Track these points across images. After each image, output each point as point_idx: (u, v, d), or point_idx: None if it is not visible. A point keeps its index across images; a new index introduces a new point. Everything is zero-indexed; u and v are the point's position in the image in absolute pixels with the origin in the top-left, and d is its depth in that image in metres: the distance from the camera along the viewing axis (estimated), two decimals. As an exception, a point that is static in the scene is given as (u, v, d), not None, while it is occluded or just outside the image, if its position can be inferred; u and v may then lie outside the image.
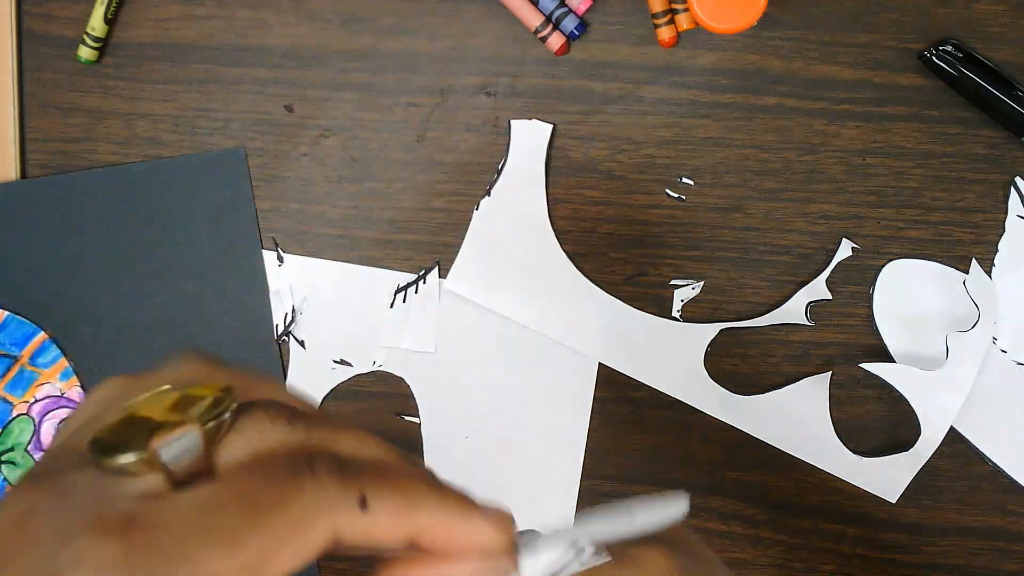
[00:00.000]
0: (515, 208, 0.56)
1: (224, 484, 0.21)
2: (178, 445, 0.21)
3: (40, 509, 0.20)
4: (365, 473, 0.22)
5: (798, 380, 0.55)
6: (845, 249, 0.55)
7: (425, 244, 0.57)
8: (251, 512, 0.20)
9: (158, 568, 0.19)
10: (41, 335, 0.58)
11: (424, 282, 0.57)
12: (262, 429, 0.23)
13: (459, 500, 0.24)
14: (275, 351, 0.57)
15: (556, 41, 0.54)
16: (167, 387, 0.24)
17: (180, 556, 0.19)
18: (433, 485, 0.24)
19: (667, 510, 0.27)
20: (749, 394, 0.56)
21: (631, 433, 0.57)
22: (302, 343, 0.57)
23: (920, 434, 0.54)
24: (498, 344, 0.57)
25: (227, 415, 0.22)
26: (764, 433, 0.56)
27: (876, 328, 0.55)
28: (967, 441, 0.55)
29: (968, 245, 0.54)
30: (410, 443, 0.58)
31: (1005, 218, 0.54)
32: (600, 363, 0.56)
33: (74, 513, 0.20)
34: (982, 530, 0.56)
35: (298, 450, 0.22)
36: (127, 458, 0.21)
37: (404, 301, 0.57)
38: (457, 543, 0.23)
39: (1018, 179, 0.54)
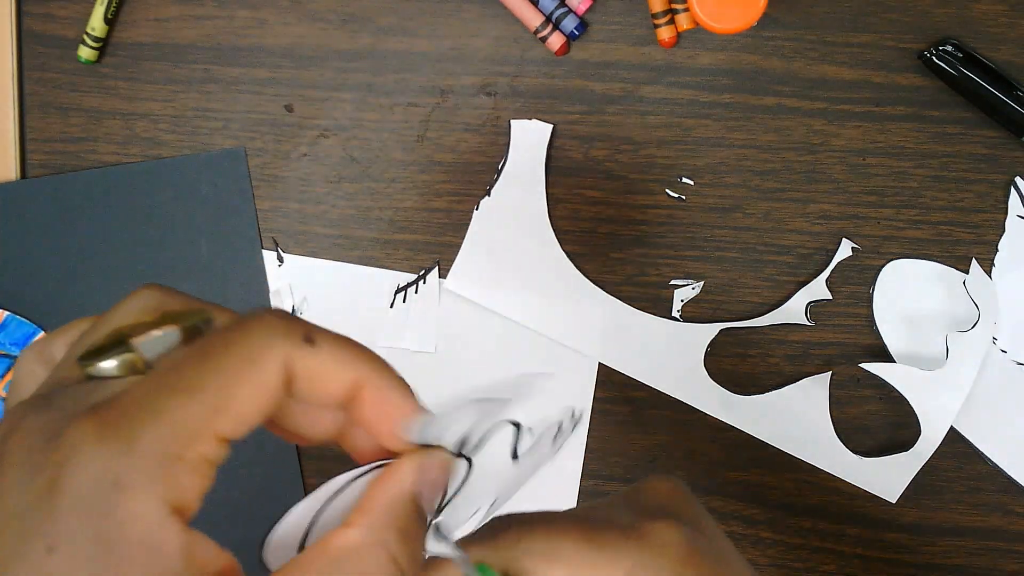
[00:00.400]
0: (515, 208, 0.56)
1: (198, 340, 0.22)
2: (159, 341, 0.22)
3: (30, 417, 0.21)
4: (313, 327, 0.23)
5: (798, 380, 0.55)
6: (845, 249, 0.55)
7: (425, 244, 0.57)
8: (204, 359, 0.21)
9: (129, 430, 0.20)
10: (41, 335, 0.58)
11: (424, 282, 0.57)
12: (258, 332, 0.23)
13: (402, 379, 0.24)
14: (275, 351, 0.57)
15: (556, 41, 0.54)
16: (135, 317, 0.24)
17: (148, 414, 0.20)
18: (380, 357, 0.24)
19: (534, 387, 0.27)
20: (749, 394, 0.56)
21: (631, 433, 0.57)
22: (302, 343, 0.57)
23: (920, 434, 0.54)
24: (498, 344, 0.57)
25: (203, 323, 0.23)
26: (764, 433, 0.56)
27: (876, 328, 0.55)
28: (967, 441, 0.55)
29: (968, 245, 0.54)
30: (410, 443, 0.58)
31: (1005, 218, 0.54)
32: (600, 363, 0.56)
33: (60, 414, 0.21)
34: (982, 530, 0.56)
35: None
36: (111, 361, 0.22)
37: (404, 301, 0.57)
38: (393, 403, 0.24)
39: (1018, 179, 0.54)
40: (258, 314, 0.22)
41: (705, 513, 0.32)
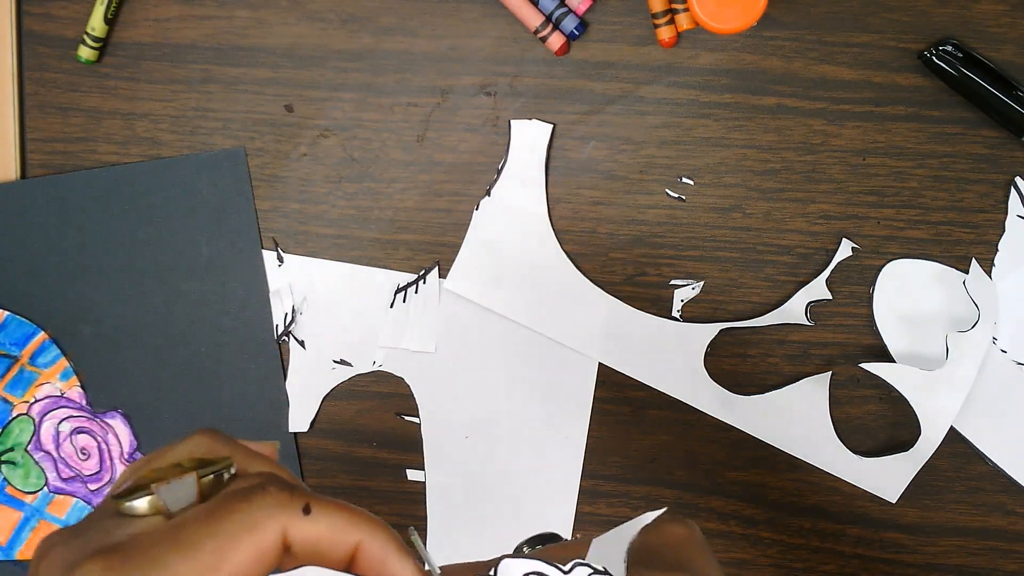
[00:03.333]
0: (515, 208, 0.56)
1: (200, 506, 0.25)
2: (175, 487, 0.25)
3: (58, 547, 0.24)
4: (314, 495, 0.26)
5: (798, 380, 0.55)
6: (845, 249, 0.55)
7: (425, 244, 0.57)
8: (208, 521, 0.24)
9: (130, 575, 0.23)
10: (41, 335, 0.58)
11: (424, 282, 0.57)
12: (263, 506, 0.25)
13: (397, 538, 0.27)
14: (275, 351, 0.57)
15: (556, 41, 0.54)
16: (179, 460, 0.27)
17: (149, 565, 0.23)
18: (376, 518, 0.27)
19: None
20: (749, 394, 0.56)
21: (631, 433, 0.57)
22: (302, 343, 0.57)
23: (920, 434, 0.54)
24: (498, 344, 0.57)
25: (224, 474, 0.26)
26: (764, 433, 0.56)
27: (876, 328, 0.55)
28: (967, 441, 0.55)
29: (968, 245, 0.54)
30: (410, 443, 0.58)
31: (1005, 218, 0.54)
32: (600, 363, 0.56)
33: (84, 546, 0.24)
34: (982, 530, 0.56)
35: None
36: (137, 501, 0.25)
37: (404, 301, 0.57)
38: (390, 567, 0.26)
39: (1018, 179, 0.54)
40: (263, 484, 0.25)
41: (716, 564, 0.34)
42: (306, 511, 0.25)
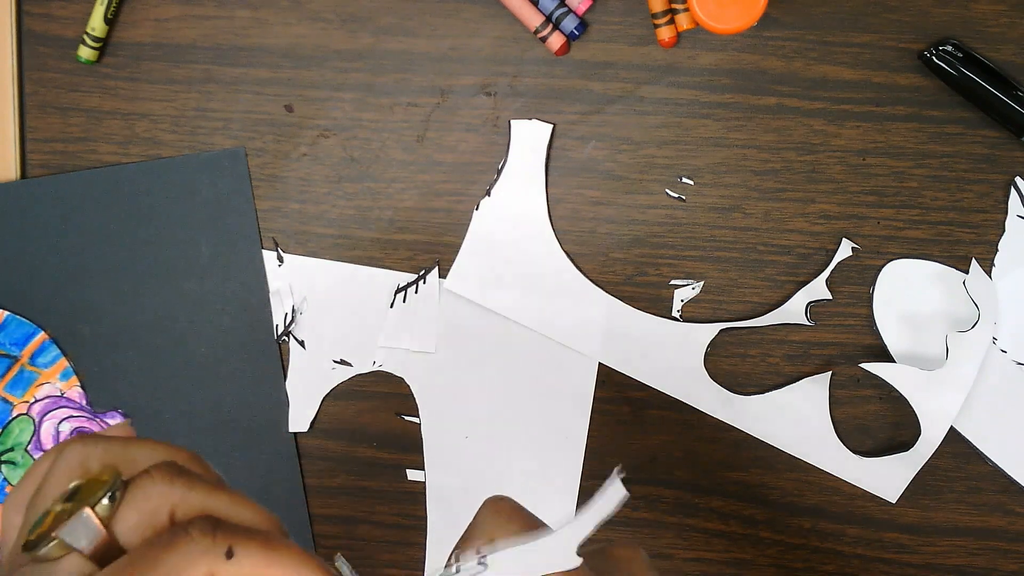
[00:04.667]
0: (515, 208, 0.56)
1: (125, 555, 0.26)
2: (74, 526, 0.26)
3: None
4: (236, 532, 0.26)
5: (798, 380, 0.55)
6: (845, 249, 0.55)
7: (425, 244, 0.57)
8: (134, 571, 0.25)
9: None
10: (41, 335, 0.58)
11: (424, 282, 0.57)
12: (148, 494, 0.27)
13: (319, 567, 0.27)
14: (275, 351, 0.57)
15: (556, 41, 0.54)
16: (72, 485, 0.28)
17: None
18: (296, 549, 0.27)
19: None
20: (749, 394, 0.56)
21: (631, 433, 0.57)
22: (302, 343, 0.57)
23: (920, 434, 0.54)
24: (498, 344, 0.57)
25: (115, 492, 0.27)
26: (764, 433, 0.56)
27: (876, 328, 0.55)
28: (967, 441, 0.55)
29: (968, 245, 0.54)
30: (410, 443, 0.58)
31: (1005, 218, 0.54)
32: (600, 363, 0.56)
33: None
34: (982, 530, 0.56)
35: (181, 512, 0.27)
36: (46, 548, 0.26)
37: (404, 301, 0.57)
38: None
39: (1018, 179, 0.54)
40: (185, 528, 0.26)
41: None
42: (229, 555, 0.26)
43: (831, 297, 0.55)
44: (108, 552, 0.27)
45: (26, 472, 0.30)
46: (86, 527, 0.26)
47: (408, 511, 0.58)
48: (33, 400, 0.59)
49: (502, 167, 0.56)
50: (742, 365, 0.56)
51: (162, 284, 0.57)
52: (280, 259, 0.57)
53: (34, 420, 0.59)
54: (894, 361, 0.55)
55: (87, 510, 0.26)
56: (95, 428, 0.59)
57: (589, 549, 0.33)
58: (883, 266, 0.55)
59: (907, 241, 0.55)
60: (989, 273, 0.54)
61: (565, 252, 0.56)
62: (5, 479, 0.59)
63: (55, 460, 0.29)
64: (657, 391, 0.56)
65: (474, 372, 0.57)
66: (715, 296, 0.56)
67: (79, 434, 0.30)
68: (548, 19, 0.54)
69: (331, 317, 0.57)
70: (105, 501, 0.27)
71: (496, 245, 0.56)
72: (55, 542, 0.26)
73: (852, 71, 0.54)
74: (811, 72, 0.54)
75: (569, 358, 0.56)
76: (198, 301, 0.57)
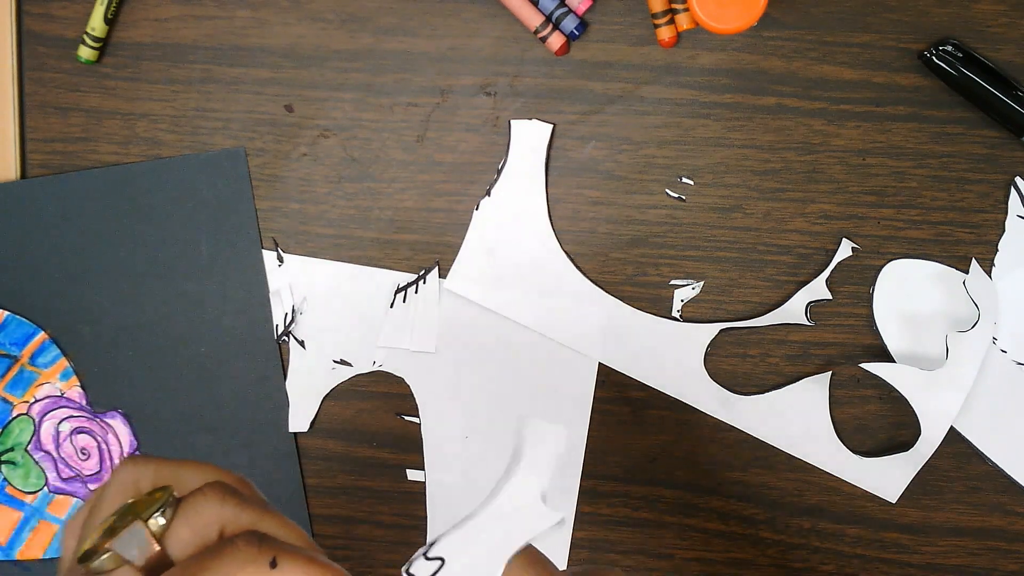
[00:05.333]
0: (515, 208, 0.56)
1: (175, 566, 0.27)
2: (127, 538, 0.27)
3: None
4: (280, 546, 0.28)
5: (798, 380, 0.55)
6: (845, 249, 0.55)
7: (425, 244, 0.57)
8: None
9: None
10: (41, 335, 0.58)
11: (424, 282, 0.57)
12: (200, 511, 0.28)
13: None
14: (275, 351, 0.57)
15: (556, 41, 0.54)
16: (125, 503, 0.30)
17: None
18: (338, 570, 0.29)
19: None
20: (749, 394, 0.56)
21: (631, 433, 0.57)
22: (302, 343, 0.57)
23: (920, 434, 0.54)
24: (498, 344, 0.57)
25: (167, 509, 0.28)
26: (764, 433, 0.56)
27: (876, 328, 0.55)
28: (967, 441, 0.55)
29: (968, 245, 0.54)
30: (410, 443, 0.58)
31: (1005, 218, 0.54)
32: (600, 363, 0.56)
33: None
34: (982, 530, 0.56)
35: (230, 530, 0.29)
36: (100, 560, 0.27)
37: (404, 301, 0.57)
38: None
39: (1018, 179, 0.54)
40: (232, 540, 0.27)
41: None
42: (272, 565, 0.27)
43: (831, 297, 0.55)
44: (159, 565, 0.28)
45: (85, 502, 0.32)
46: (138, 540, 0.28)
47: (408, 511, 0.58)
48: (33, 400, 0.59)
49: (502, 167, 0.56)
50: (742, 365, 0.56)
51: (162, 284, 0.57)
52: (280, 259, 0.57)
53: (34, 420, 0.59)
54: (894, 361, 0.55)
55: (139, 523, 0.28)
56: (95, 428, 0.59)
57: (570, 571, 0.33)
58: (883, 266, 0.55)
59: (907, 241, 0.55)
60: (989, 273, 0.54)
61: (565, 252, 0.56)
62: (5, 479, 0.59)
63: (113, 476, 0.30)
64: (657, 391, 0.56)
65: (474, 372, 0.57)
66: (715, 296, 0.56)
67: (131, 456, 0.31)
68: (548, 19, 0.54)
69: (331, 317, 0.57)
70: (158, 517, 0.28)
71: (496, 245, 0.56)
72: (108, 554, 0.27)
73: (852, 71, 0.54)
74: (811, 72, 0.54)
75: (569, 358, 0.56)
76: (198, 301, 0.57)
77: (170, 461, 0.31)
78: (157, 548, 0.28)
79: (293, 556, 0.28)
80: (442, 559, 0.30)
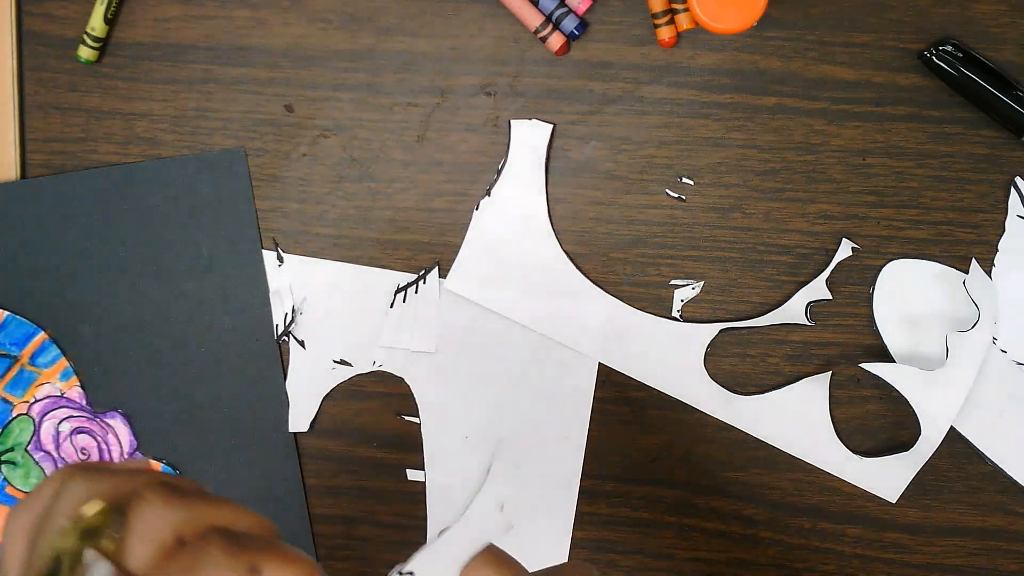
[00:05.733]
0: (515, 208, 0.56)
1: None
2: (94, 572, 0.26)
3: None
4: (253, 546, 0.27)
5: (798, 380, 0.55)
6: (845, 249, 0.55)
7: (425, 244, 0.57)
8: None
9: None
10: (41, 335, 0.58)
11: (424, 282, 0.57)
12: (148, 521, 0.27)
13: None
14: (275, 351, 0.57)
15: (556, 41, 0.54)
16: (65, 524, 0.28)
17: None
18: (306, 558, 0.28)
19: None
20: (749, 394, 0.56)
21: (631, 433, 0.57)
22: (302, 343, 0.57)
23: (920, 434, 0.54)
24: (498, 344, 0.57)
25: (114, 525, 0.27)
26: (764, 433, 0.56)
27: (876, 328, 0.55)
28: (967, 441, 0.55)
29: (968, 245, 0.54)
30: (410, 443, 0.58)
31: (1005, 218, 0.54)
32: (600, 363, 0.56)
33: None
34: (982, 530, 0.56)
35: (188, 531, 0.27)
36: None
37: (404, 301, 0.57)
38: None
39: (1018, 179, 0.54)
40: (202, 550, 0.26)
41: None
42: (252, 571, 0.26)
43: (831, 297, 0.55)
44: None
45: (28, 496, 0.30)
46: (100, 573, 0.26)
47: (408, 511, 0.58)
48: (33, 400, 0.59)
49: (502, 167, 0.56)
50: (742, 365, 0.56)
51: (162, 284, 0.57)
52: (280, 259, 0.57)
53: (34, 420, 0.59)
54: (894, 361, 0.55)
55: (96, 557, 0.27)
56: (95, 428, 0.59)
57: (542, 571, 0.33)
58: (883, 266, 0.55)
59: (907, 241, 0.55)
60: (989, 273, 0.54)
61: (565, 252, 0.56)
62: (5, 479, 0.59)
63: (59, 490, 0.29)
64: (657, 391, 0.56)
65: (474, 372, 0.57)
66: (715, 296, 0.56)
67: (74, 467, 0.30)
68: (548, 19, 0.54)
69: (331, 317, 0.57)
70: (104, 541, 0.27)
71: (496, 245, 0.56)
72: None
73: (852, 71, 0.54)
74: (811, 72, 0.54)
75: (569, 358, 0.56)
76: (198, 301, 0.57)
77: (106, 469, 0.30)
78: (119, 573, 0.27)
79: (269, 556, 0.27)
80: (412, 574, 0.29)
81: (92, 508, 0.28)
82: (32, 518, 0.29)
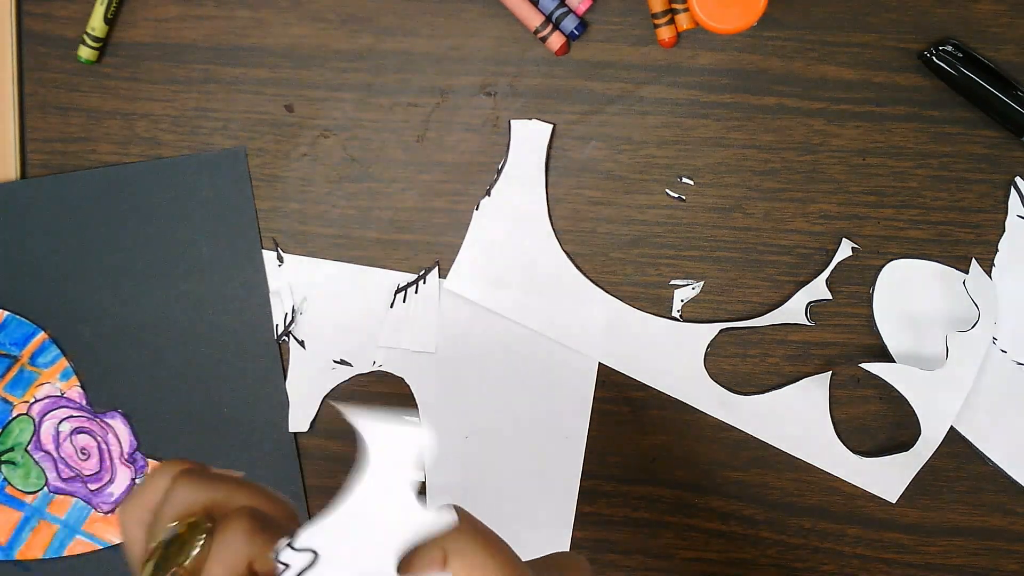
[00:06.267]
0: (515, 208, 0.56)
1: None
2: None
3: None
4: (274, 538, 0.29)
5: (798, 380, 0.55)
6: (845, 249, 0.55)
7: (425, 244, 0.57)
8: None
9: None
10: (41, 335, 0.58)
11: (424, 282, 0.57)
12: (230, 547, 0.29)
13: None
14: (275, 351, 0.57)
15: (556, 41, 0.54)
16: (159, 541, 0.31)
17: None
18: None
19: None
20: (749, 394, 0.56)
21: (631, 433, 0.57)
22: (302, 343, 0.57)
23: (920, 434, 0.54)
24: (498, 344, 0.57)
25: (198, 549, 0.30)
26: (764, 433, 0.56)
27: (876, 328, 0.55)
28: (967, 441, 0.55)
29: (968, 245, 0.54)
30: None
31: (1005, 218, 0.54)
32: (600, 363, 0.56)
33: None
34: (982, 530, 0.56)
35: (262, 566, 0.29)
36: None
37: (404, 301, 0.57)
38: None
39: (1018, 179, 0.54)
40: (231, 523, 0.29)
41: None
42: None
43: (831, 297, 0.55)
44: None
45: (143, 485, 0.33)
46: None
47: (408, 511, 0.58)
48: (33, 400, 0.59)
49: (502, 167, 0.56)
50: (742, 365, 0.56)
51: (162, 284, 0.57)
52: (280, 259, 0.57)
53: (34, 420, 0.59)
54: (894, 361, 0.55)
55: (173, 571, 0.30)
56: (95, 428, 0.59)
57: (534, 560, 0.33)
58: (883, 266, 0.55)
59: (907, 241, 0.55)
60: (989, 273, 0.54)
61: (565, 252, 0.56)
62: (5, 479, 0.59)
63: (169, 491, 0.31)
64: (657, 391, 0.56)
65: (474, 372, 0.57)
66: (715, 296, 0.56)
67: (187, 468, 0.32)
68: (548, 19, 0.54)
69: (331, 317, 0.57)
70: (196, 551, 0.30)
71: (496, 245, 0.56)
72: None
73: (852, 71, 0.54)
74: (811, 72, 0.54)
75: (569, 358, 0.56)
76: (198, 301, 0.57)
77: (215, 480, 0.32)
78: None
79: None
80: (313, 552, 0.30)
81: (194, 511, 0.31)
82: (146, 507, 0.32)
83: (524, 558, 0.33)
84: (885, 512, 0.56)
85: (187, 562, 0.30)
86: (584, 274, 0.56)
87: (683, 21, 0.53)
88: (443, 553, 0.30)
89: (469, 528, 0.31)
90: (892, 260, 0.55)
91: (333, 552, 0.30)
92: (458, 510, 0.31)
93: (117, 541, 0.59)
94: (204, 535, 0.30)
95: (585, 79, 0.55)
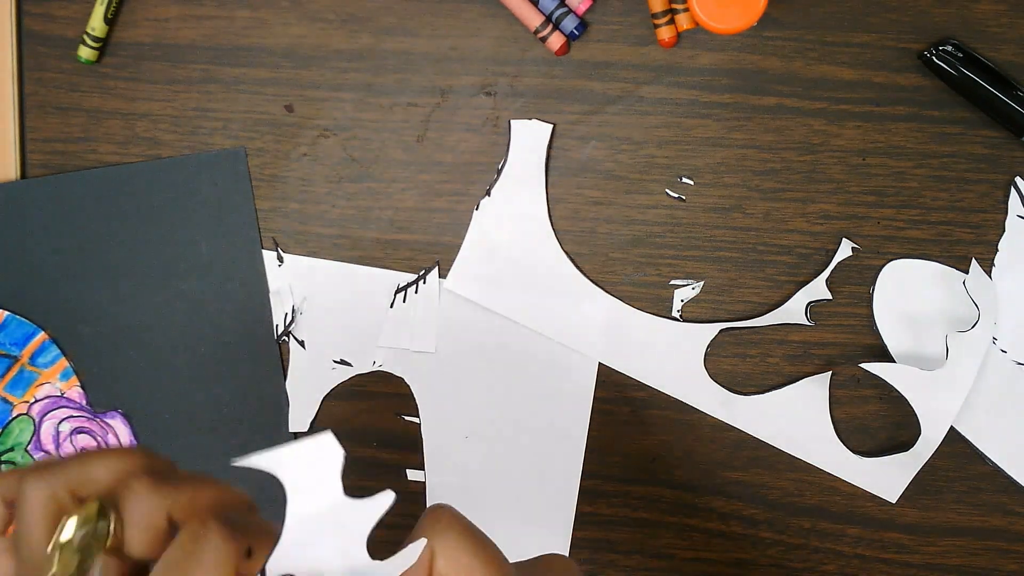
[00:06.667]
0: (515, 208, 0.56)
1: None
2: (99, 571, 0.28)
3: None
4: (246, 528, 0.29)
5: (798, 380, 0.55)
6: (845, 249, 0.55)
7: (425, 244, 0.57)
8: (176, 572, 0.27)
9: None
10: (41, 335, 0.58)
11: (424, 282, 0.57)
12: (143, 510, 0.29)
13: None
14: (275, 351, 0.57)
15: (556, 41, 0.54)
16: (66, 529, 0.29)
17: None
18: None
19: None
20: (749, 394, 0.56)
21: (631, 433, 0.57)
22: (302, 343, 0.57)
23: (920, 434, 0.54)
24: (498, 344, 0.57)
25: (108, 525, 0.29)
26: (764, 433, 0.56)
27: (876, 328, 0.55)
28: (967, 441, 0.55)
29: (968, 245, 0.54)
30: (410, 443, 0.58)
31: (1005, 218, 0.54)
32: (600, 363, 0.56)
33: None
34: (982, 530, 0.56)
35: (179, 513, 0.29)
36: None
37: (404, 301, 0.57)
38: None
39: (1018, 179, 0.54)
40: (203, 536, 0.28)
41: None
42: (248, 554, 0.28)
43: (831, 297, 0.55)
44: (135, 572, 0.29)
45: (73, 463, 0.31)
46: (108, 571, 0.28)
47: (408, 511, 0.58)
48: (33, 400, 0.59)
49: (502, 167, 0.56)
50: (742, 365, 0.56)
51: (162, 284, 0.57)
52: (280, 259, 0.57)
53: (34, 420, 0.59)
54: (894, 361, 0.55)
55: (99, 561, 0.28)
56: (95, 428, 0.59)
57: (521, 562, 0.33)
58: (883, 266, 0.55)
59: (907, 241, 0.55)
60: (989, 273, 0.54)
61: (565, 252, 0.56)
62: (5, 479, 0.59)
63: (21, 506, 0.30)
64: (657, 391, 0.56)
65: (474, 372, 0.57)
66: (715, 296, 0.56)
67: (24, 472, 0.30)
68: (548, 19, 0.54)
69: (331, 317, 0.57)
70: (103, 540, 0.29)
71: (496, 245, 0.56)
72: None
73: (852, 71, 0.54)
74: (811, 72, 0.54)
75: (569, 358, 0.56)
76: (198, 301, 0.57)
77: (68, 463, 0.30)
78: (124, 566, 0.29)
79: (263, 541, 0.29)
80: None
81: (64, 503, 0.30)
82: (47, 498, 0.30)
83: (524, 558, 0.33)
84: (885, 512, 0.56)
85: (108, 541, 0.29)
86: (584, 274, 0.56)
87: (683, 21, 0.53)
88: (429, 551, 0.29)
89: (456, 526, 0.30)
90: (892, 260, 0.55)
91: (307, 568, 0.30)
92: (445, 508, 0.31)
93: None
94: (101, 513, 0.29)
95: (585, 79, 0.55)
